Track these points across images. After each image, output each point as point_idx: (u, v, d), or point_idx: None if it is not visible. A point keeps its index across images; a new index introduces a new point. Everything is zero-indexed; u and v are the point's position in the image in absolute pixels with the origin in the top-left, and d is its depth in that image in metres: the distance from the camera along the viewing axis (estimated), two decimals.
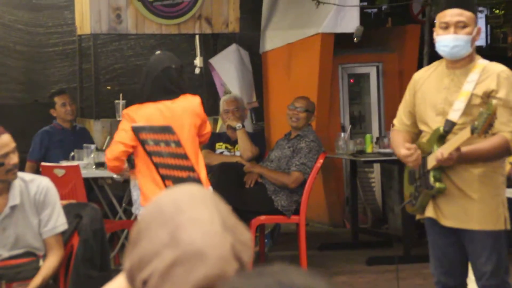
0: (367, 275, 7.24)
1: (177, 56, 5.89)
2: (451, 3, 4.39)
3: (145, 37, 10.34)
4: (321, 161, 7.08)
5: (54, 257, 4.63)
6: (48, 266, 4.61)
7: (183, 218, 1.64)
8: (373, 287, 6.93)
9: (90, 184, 7.32)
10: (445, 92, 4.43)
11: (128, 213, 7.23)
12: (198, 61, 9.67)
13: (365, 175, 9.48)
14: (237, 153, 7.57)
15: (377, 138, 8.29)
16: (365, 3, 10.26)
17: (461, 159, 4.31)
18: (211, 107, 9.57)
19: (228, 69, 9.38)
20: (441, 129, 4.37)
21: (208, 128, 5.57)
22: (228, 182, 6.91)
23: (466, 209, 4.40)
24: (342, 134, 8.15)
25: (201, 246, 1.61)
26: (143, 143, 5.12)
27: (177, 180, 4.97)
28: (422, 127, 4.56)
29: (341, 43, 9.05)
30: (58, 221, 4.65)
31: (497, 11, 13.32)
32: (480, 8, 12.23)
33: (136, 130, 5.17)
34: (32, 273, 4.59)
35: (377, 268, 7.39)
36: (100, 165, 7.09)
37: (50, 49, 10.48)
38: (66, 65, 10.48)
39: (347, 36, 8.77)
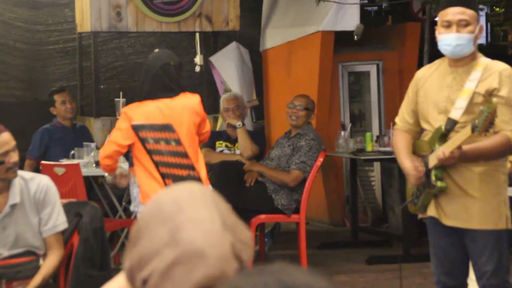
0: (367, 274, 7.24)
1: (177, 54, 5.90)
2: (453, 1, 4.37)
3: (145, 35, 10.34)
4: (321, 159, 7.08)
5: (54, 256, 4.63)
6: (48, 265, 4.60)
7: (183, 217, 1.64)
8: (373, 286, 6.93)
9: (90, 182, 7.31)
10: (447, 90, 4.42)
11: (128, 212, 7.22)
12: (198, 59, 9.67)
13: (365, 174, 9.48)
14: (237, 152, 7.57)
15: (377, 137, 8.28)
16: (365, 1, 10.25)
17: (463, 158, 4.30)
18: (211, 105, 9.57)
19: (228, 67, 9.38)
20: (443, 127, 4.37)
21: (207, 126, 5.56)
22: (228, 180, 6.91)
23: (467, 208, 4.39)
24: (342, 133, 8.14)
25: (201, 245, 1.60)
26: (143, 141, 5.12)
27: (177, 179, 4.97)
28: (424, 125, 4.55)
29: (341, 41, 9.05)
30: (58, 220, 4.65)
31: (497, 9, 13.31)
32: (480, 6, 12.21)
33: (136, 128, 5.17)
34: (32, 272, 4.59)
35: (377, 267, 7.39)
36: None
37: (50, 47, 10.48)
38: (66, 63, 10.47)
39: (347, 34, 8.76)
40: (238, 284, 1.40)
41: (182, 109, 5.36)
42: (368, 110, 9.65)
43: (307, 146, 7.08)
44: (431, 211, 4.50)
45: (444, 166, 4.39)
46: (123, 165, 7.02)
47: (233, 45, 9.50)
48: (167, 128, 5.05)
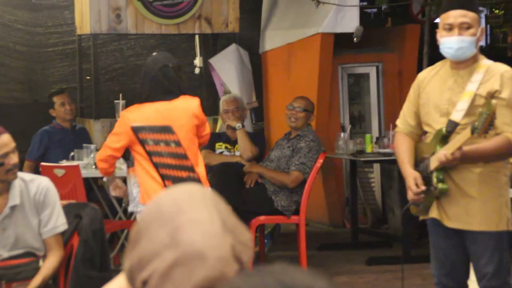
0: (367, 275, 7.24)
1: (177, 56, 5.92)
2: (454, 4, 4.36)
3: (145, 37, 10.34)
4: (321, 161, 7.08)
5: (54, 257, 4.63)
6: (48, 266, 4.61)
7: (183, 219, 1.64)
8: (373, 287, 6.93)
9: (90, 184, 7.31)
10: (449, 93, 4.41)
11: (128, 213, 7.22)
12: (197, 61, 9.67)
13: (365, 175, 9.48)
14: (237, 153, 7.57)
15: (377, 138, 8.28)
16: (365, 3, 10.26)
17: (464, 159, 4.30)
18: (210, 107, 9.58)
19: (228, 69, 9.38)
20: (444, 129, 4.36)
21: (207, 129, 5.56)
22: (228, 182, 6.91)
23: (468, 210, 4.38)
24: (342, 134, 8.14)
25: (201, 247, 1.61)
26: (142, 142, 5.12)
27: (177, 180, 4.97)
28: (426, 128, 4.54)
29: (341, 43, 9.05)
30: (58, 221, 4.65)
31: (496, 11, 13.31)
32: (480, 8, 12.22)
33: (136, 130, 5.17)
34: (32, 273, 4.59)
35: (377, 268, 7.39)
36: None
37: (50, 49, 10.48)
38: (66, 65, 10.48)
39: (347, 36, 8.77)
40: (238, 284, 1.40)
41: (181, 112, 5.36)
42: (368, 111, 9.65)
43: (307, 148, 7.08)
44: (433, 213, 4.49)
45: (445, 168, 4.39)
46: (123, 166, 7.03)
47: (232, 47, 9.50)
48: (166, 129, 5.05)
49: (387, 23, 10.84)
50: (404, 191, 7.77)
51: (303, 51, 9.23)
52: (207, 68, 9.69)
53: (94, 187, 7.39)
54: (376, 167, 9.33)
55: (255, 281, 1.38)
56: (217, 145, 7.65)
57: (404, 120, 4.65)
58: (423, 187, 4.42)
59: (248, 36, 10.10)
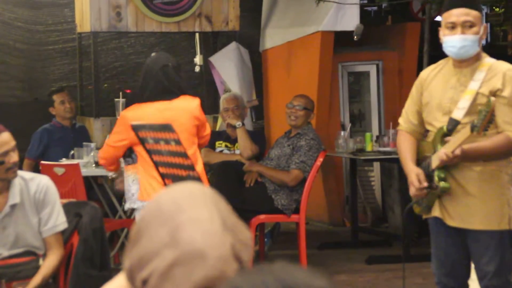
0: (367, 274, 7.24)
1: (177, 54, 5.92)
2: (457, 2, 4.35)
3: (145, 35, 10.34)
4: (321, 159, 7.08)
5: (54, 256, 4.63)
6: (48, 265, 4.60)
7: (183, 218, 1.64)
8: (372, 286, 6.93)
9: (90, 182, 7.31)
10: (451, 91, 4.40)
11: (128, 212, 7.22)
12: (198, 59, 9.67)
13: (365, 174, 9.48)
14: (237, 152, 7.57)
15: (377, 137, 8.28)
16: (365, 1, 10.25)
17: (465, 158, 4.29)
18: (211, 105, 9.57)
19: (228, 67, 9.38)
20: (445, 127, 4.36)
21: (207, 130, 5.56)
22: (228, 181, 6.91)
23: (470, 208, 4.37)
24: (342, 133, 8.14)
25: (201, 246, 1.60)
26: (142, 141, 5.12)
27: (177, 179, 4.97)
28: (428, 127, 4.53)
29: (341, 41, 9.05)
30: (58, 220, 4.65)
31: (497, 9, 13.31)
32: None
33: (136, 128, 5.17)
34: (32, 272, 4.59)
35: (377, 267, 7.39)
36: (100, 163, 7.08)
37: (50, 47, 10.48)
38: (66, 63, 10.47)
39: (347, 34, 8.76)
40: (238, 283, 1.40)
41: (181, 112, 5.36)
42: (368, 110, 9.65)
43: (307, 146, 7.08)
44: (436, 212, 4.48)
45: (447, 167, 4.38)
46: (123, 164, 7.03)
47: (232, 45, 9.50)
48: (167, 128, 5.05)
49: (387, 21, 10.84)
50: (404, 189, 7.79)
51: (303, 49, 9.23)
52: (207, 66, 9.68)
53: (94, 186, 7.39)
54: (376, 165, 9.33)
55: (255, 279, 1.38)
56: (217, 143, 7.65)
57: (407, 118, 4.64)
58: (425, 183, 4.41)
59: (248, 34, 10.09)
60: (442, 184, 4.38)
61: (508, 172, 4.43)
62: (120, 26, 9.26)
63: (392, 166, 8.65)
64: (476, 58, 4.40)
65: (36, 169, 7.15)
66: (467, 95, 4.33)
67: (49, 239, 4.63)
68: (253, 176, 7.10)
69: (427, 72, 4.59)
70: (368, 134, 8.03)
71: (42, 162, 7.10)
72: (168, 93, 5.40)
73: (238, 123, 7.46)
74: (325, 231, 9.08)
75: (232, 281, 1.42)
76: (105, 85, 9.95)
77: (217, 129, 8.74)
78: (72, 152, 7.40)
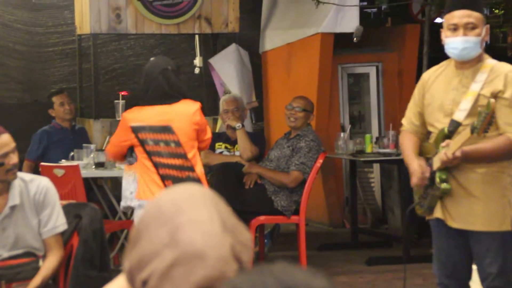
0: (367, 275, 7.24)
1: (177, 56, 5.92)
2: (459, 4, 4.34)
3: (145, 37, 10.34)
4: (320, 161, 7.08)
5: (54, 257, 4.63)
6: (47, 266, 4.60)
7: (183, 219, 1.64)
8: (372, 287, 6.93)
9: (90, 184, 7.31)
10: (453, 93, 4.40)
11: (128, 213, 7.22)
12: (197, 61, 9.67)
13: (365, 175, 9.48)
14: (237, 153, 7.57)
15: (377, 138, 8.28)
16: (365, 3, 10.25)
17: (466, 159, 4.29)
18: (210, 107, 9.58)
19: (228, 69, 9.38)
20: (446, 129, 4.35)
21: (208, 134, 5.55)
22: (227, 182, 6.91)
23: (472, 210, 4.37)
24: (342, 134, 8.14)
25: (200, 246, 1.60)
26: (142, 143, 5.12)
27: (177, 180, 4.97)
28: (430, 128, 4.53)
29: (340, 43, 9.05)
30: (58, 221, 4.65)
31: (496, 10, 13.30)
32: None
33: (136, 130, 5.17)
34: (31, 273, 4.59)
35: (377, 268, 7.39)
36: (99, 165, 7.09)
37: (49, 49, 10.48)
38: (66, 65, 10.47)
39: (347, 36, 8.77)
40: (238, 283, 1.40)
41: (180, 116, 5.36)
42: (368, 111, 9.65)
43: (307, 147, 7.08)
44: (438, 213, 4.48)
45: (449, 168, 4.38)
46: (123, 166, 7.03)
47: (232, 47, 9.50)
48: (166, 129, 5.05)
49: (387, 23, 10.83)
50: (404, 191, 7.81)
51: (303, 51, 9.23)
52: (207, 68, 9.69)
53: (93, 187, 7.39)
54: (376, 167, 9.33)
55: (255, 280, 1.38)
56: (217, 145, 7.65)
57: (409, 119, 4.64)
58: (427, 173, 4.41)
59: (248, 36, 10.10)
60: (443, 185, 4.38)
61: (511, 173, 4.42)
62: (119, 28, 9.27)
63: (392, 167, 8.65)
64: (478, 60, 4.39)
65: (36, 170, 7.15)
66: (468, 96, 4.33)
67: (49, 240, 4.63)
68: (253, 177, 7.10)
69: (429, 74, 4.59)
70: (367, 136, 8.03)
71: (42, 163, 7.10)
72: (168, 97, 5.40)
73: (238, 125, 7.46)
74: (325, 232, 9.07)
75: (232, 282, 1.42)
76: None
77: (217, 130, 8.74)
78: (72, 153, 7.40)
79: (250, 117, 9.32)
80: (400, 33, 9.59)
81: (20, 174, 4.64)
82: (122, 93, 8.17)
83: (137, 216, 5.55)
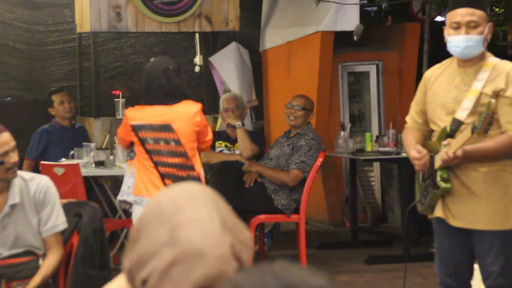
0: (367, 274, 7.24)
1: (177, 54, 5.92)
2: (462, 2, 4.34)
3: (145, 35, 10.33)
4: (320, 159, 7.08)
5: (54, 256, 4.63)
6: (47, 265, 4.60)
7: (183, 217, 1.64)
8: (372, 286, 6.93)
9: (90, 182, 7.31)
10: (455, 91, 4.39)
11: (128, 212, 7.22)
12: (198, 59, 9.67)
13: (365, 174, 9.48)
14: (237, 152, 7.57)
15: (377, 137, 8.27)
16: (365, 1, 10.25)
17: (467, 158, 4.29)
18: (210, 105, 9.57)
19: (228, 67, 9.37)
20: (448, 128, 4.35)
21: (209, 136, 5.55)
22: (227, 181, 6.91)
23: (474, 209, 4.36)
24: (342, 133, 8.14)
25: (200, 245, 1.60)
26: (142, 141, 5.12)
27: (177, 179, 4.97)
28: (432, 126, 4.52)
29: (341, 41, 9.05)
30: (58, 220, 4.64)
31: (497, 9, 13.30)
32: None
33: (136, 129, 5.18)
34: (31, 272, 4.59)
35: (377, 267, 7.39)
36: (99, 163, 7.09)
37: (50, 47, 10.47)
38: (66, 63, 10.47)
39: (347, 34, 8.76)
40: (238, 281, 1.40)
41: (179, 117, 5.36)
42: (368, 110, 9.65)
43: (307, 146, 7.07)
44: (438, 212, 4.47)
45: (451, 167, 4.37)
46: (123, 165, 7.03)
47: (232, 45, 9.50)
48: (166, 128, 5.05)
49: (387, 21, 10.82)
50: (404, 190, 7.80)
51: (303, 49, 9.23)
52: (207, 66, 9.68)
53: (93, 186, 7.39)
54: (376, 165, 9.33)
55: (255, 278, 1.38)
56: (217, 143, 7.65)
57: (412, 117, 4.64)
58: (424, 150, 4.40)
59: (248, 34, 10.09)
60: (444, 185, 4.37)
61: None
62: (120, 26, 9.26)
63: (392, 166, 8.65)
64: (481, 58, 4.39)
65: (36, 169, 7.15)
66: (471, 95, 4.32)
67: (49, 239, 4.63)
68: (253, 176, 7.10)
69: (432, 72, 4.58)
70: (368, 134, 8.03)
71: (42, 162, 7.10)
72: (169, 97, 5.40)
73: (238, 123, 7.46)
74: (325, 231, 9.07)
75: (232, 280, 1.42)
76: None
77: (217, 129, 8.74)
78: (72, 152, 7.40)
79: (250, 116, 9.32)
80: (400, 32, 9.59)
81: (20, 172, 4.64)
82: (116, 92, 8.17)
83: (134, 213, 5.56)
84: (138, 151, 5.41)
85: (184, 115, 5.37)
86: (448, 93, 4.41)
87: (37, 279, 4.57)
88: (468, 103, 4.31)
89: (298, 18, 9.34)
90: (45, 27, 10.44)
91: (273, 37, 9.74)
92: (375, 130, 9.27)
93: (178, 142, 5.06)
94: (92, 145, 7.37)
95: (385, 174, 8.99)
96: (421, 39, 9.02)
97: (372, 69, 9.56)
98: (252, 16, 10.21)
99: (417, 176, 4.67)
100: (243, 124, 7.50)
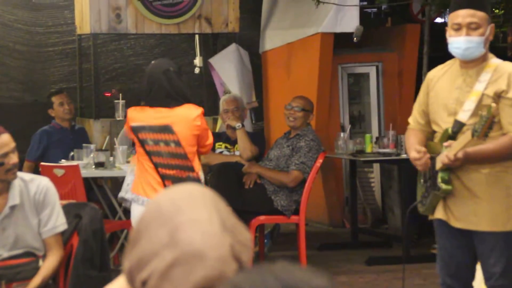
0: (367, 275, 7.24)
1: (177, 56, 5.92)
2: (463, 3, 4.34)
3: (145, 36, 10.34)
4: (320, 160, 7.08)
5: (54, 257, 4.63)
6: (47, 266, 4.60)
7: (183, 219, 1.64)
8: (372, 287, 6.93)
9: (90, 184, 7.31)
10: (457, 92, 4.39)
11: (128, 213, 7.22)
12: (197, 61, 9.67)
13: (365, 175, 9.48)
14: (237, 153, 7.57)
15: (377, 138, 8.28)
16: (365, 3, 10.25)
17: (468, 160, 4.28)
18: (210, 107, 9.57)
19: (228, 68, 9.38)
20: (449, 129, 4.35)
21: (209, 140, 5.54)
22: (227, 182, 6.91)
23: (476, 210, 4.36)
24: (342, 134, 8.14)
25: (200, 246, 1.60)
26: (142, 142, 5.12)
27: (177, 180, 4.97)
28: (434, 127, 4.52)
29: (340, 43, 9.05)
30: (58, 221, 4.65)
31: (496, 10, 13.30)
32: None
33: (135, 130, 5.18)
34: (31, 273, 4.59)
35: (377, 268, 7.39)
36: (99, 165, 7.09)
37: (50, 49, 10.48)
38: (66, 64, 10.47)
39: (347, 36, 8.76)
40: (238, 282, 1.40)
41: (179, 120, 5.35)
42: (368, 111, 9.65)
43: (307, 147, 7.08)
44: (440, 214, 4.46)
45: (452, 169, 4.37)
46: (123, 166, 7.03)
47: (232, 46, 9.50)
48: (166, 129, 5.05)
49: (387, 22, 10.82)
50: (404, 191, 7.80)
51: (303, 51, 9.23)
52: (207, 68, 9.68)
53: (93, 187, 7.39)
54: (376, 167, 9.33)
55: (256, 278, 1.38)
56: (217, 144, 7.65)
57: (414, 118, 4.64)
58: (424, 149, 4.40)
59: (248, 36, 10.10)
60: (444, 186, 4.36)
61: None
62: (119, 28, 9.27)
63: (392, 167, 8.65)
64: (483, 59, 4.38)
65: (36, 170, 7.15)
66: (472, 96, 4.31)
67: (48, 240, 4.63)
68: (252, 177, 7.10)
69: (434, 72, 4.58)
70: (367, 136, 8.03)
71: (42, 163, 7.10)
72: (170, 99, 5.40)
73: (238, 125, 7.46)
74: (325, 232, 9.07)
75: (233, 280, 1.42)
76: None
77: (217, 130, 8.74)
78: (71, 153, 7.40)
79: (250, 117, 9.32)
80: (400, 33, 9.59)
81: (20, 174, 4.64)
82: (108, 94, 8.17)
83: (132, 211, 5.57)
84: (138, 151, 5.42)
85: (184, 118, 5.37)
86: (450, 94, 4.40)
87: (37, 280, 4.57)
88: (470, 105, 4.31)
89: (298, 20, 9.35)
90: (45, 29, 10.45)
91: (273, 39, 9.74)
92: (375, 132, 9.28)
93: (178, 144, 5.06)
94: (92, 146, 7.37)
95: (385, 175, 8.99)
96: (421, 41, 9.02)
97: (372, 71, 9.56)
98: (252, 18, 10.21)
99: (419, 178, 4.67)
100: (243, 126, 7.50)
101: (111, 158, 7.23)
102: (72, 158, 7.36)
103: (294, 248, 7.25)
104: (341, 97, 9.47)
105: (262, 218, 6.96)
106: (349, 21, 8.81)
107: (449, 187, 4.37)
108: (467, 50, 4.33)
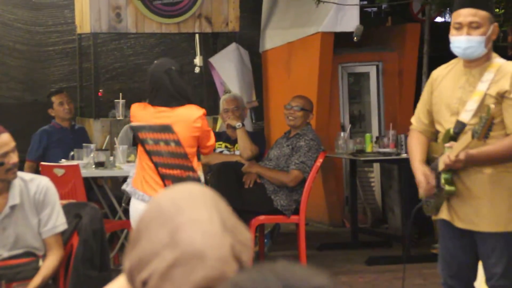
0: (367, 275, 7.24)
1: (177, 55, 5.92)
2: (465, 2, 4.33)
3: (145, 36, 10.34)
4: (320, 160, 7.08)
5: (54, 257, 4.63)
6: (47, 266, 4.60)
7: (183, 218, 1.63)
8: (372, 287, 6.93)
9: (90, 183, 7.31)
10: (460, 91, 4.38)
11: (128, 213, 7.21)
12: (198, 60, 9.67)
13: (365, 175, 9.48)
14: (237, 152, 7.57)
15: (377, 138, 8.28)
16: (365, 2, 10.25)
17: (471, 161, 4.28)
18: (211, 106, 9.57)
19: (228, 68, 9.38)
20: (451, 130, 4.34)
21: (211, 141, 5.54)
22: (227, 182, 6.91)
23: (478, 211, 4.35)
24: (342, 134, 8.14)
25: (200, 246, 1.60)
26: (142, 142, 5.12)
27: (177, 180, 4.97)
28: (437, 127, 4.50)
29: (341, 42, 9.05)
30: (58, 221, 4.64)
31: (497, 9, 13.29)
32: None
33: (136, 129, 5.18)
34: (31, 273, 4.58)
35: (377, 268, 7.39)
36: (99, 164, 7.09)
37: (50, 48, 10.48)
38: (66, 64, 10.47)
39: (347, 35, 8.76)
40: (239, 281, 1.40)
41: (181, 120, 5.35)
42: (368, 111, 9.65)
43: (307, 147, 7.07)
44: (443, 214, 4.46)
45: (455, 170, 4.37)
46: (123, 166, 7.03)
47: (232, 46, 9.50)
48: (166, 129, 5.05)
49: (387, 22, 10.82)
50: (404, 191, 7.80)
51: (303, 50, 9.23)
52: (207, 67, 9.68)
53: (94, 187, 7.39)
54: (376, 166, 9.33)
55: (257, 278, 1.38)
56: (217, 144, 7.64)
57: (418, 118, 4.62)
58: (433, 181, 4.39)
59: (248, 35, 10.09)
60: (447, 187, 4.36)
61: None
62: (120, 27, 9.26)
63: (392, 167, 8.65)
64: (486, 59, 4.37)
65: (37, 170, 7.15)
66: (475, 96, 4.30)
67: (49, 240, 4.63)
68: (252, 177, 7.10)
69: (438, 72, 4.56)
70: (368, 135, 8.03)
71: (42, 163, 7.10)
72: (172, 98, 5.39)
73: (238, 124, 7.46)
74: (325, 232, 9.07)
75: (234, 279, 1.42)
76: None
77: (217, 130, 8.74)
78: (72, 153, 7.40)
79: (250, 117, 9.32)
80: (400, 32, 9.59)
81: (20, 173, 4.64)
82: (100, 93, 8.17)
83: (131, 206, 5.57)
84: (139, 149, 5.43)
85: (184, 119, 5.36)
86: (453, 94, 4.39)
87: (37, 280, 4.57)
88: (472, 105, 4.29)
89: (298, 19, 9.34)
90: (45, 28, 10.44)
91: (273, 38, 9.74)
92: (375, 131, 9.27)
93: (178, 143, 5.05)
94: (92, 146, 7.37)
95: (385, 175, 8.98)
96: (421, 40, 9.02)
97: (372, 70, 9.56)
98: (252, 17, 10.21)
99: (418, 186, 4.66)
100: (243, 125, 7.50)
101: (111, 158, 7.23)
102: (72, 158, 7.36)
103: (294, 248, 7.24)
104: (341, 96, 9.47)
105: (262, 218, 6.96)
106: (349, 21, 8.81)
107: (452, 188, 4.36)
108: (467, 50, 4.32)
